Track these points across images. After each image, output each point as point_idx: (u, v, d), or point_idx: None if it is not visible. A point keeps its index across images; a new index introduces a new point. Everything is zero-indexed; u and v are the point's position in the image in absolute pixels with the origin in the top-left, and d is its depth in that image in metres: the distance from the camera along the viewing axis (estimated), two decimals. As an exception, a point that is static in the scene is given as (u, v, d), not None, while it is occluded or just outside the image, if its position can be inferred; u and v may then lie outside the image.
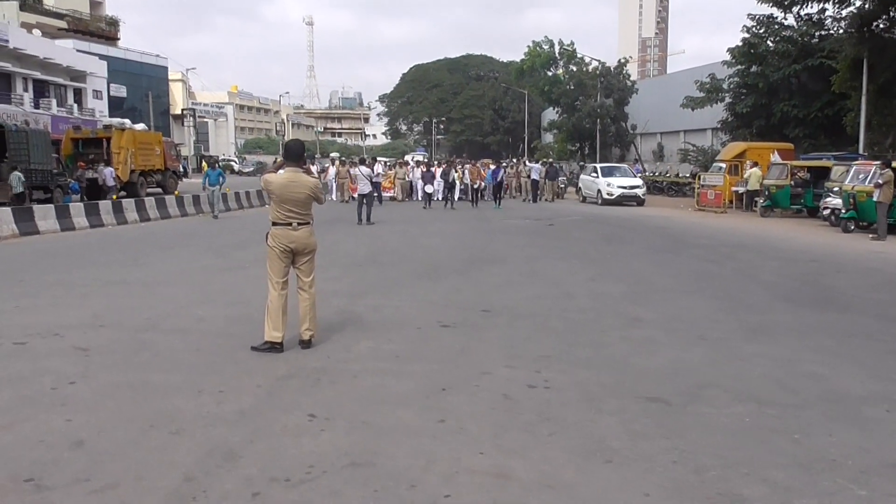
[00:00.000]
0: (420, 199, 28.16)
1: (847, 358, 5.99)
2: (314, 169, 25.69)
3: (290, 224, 6.04)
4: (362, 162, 23.50)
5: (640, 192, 27.43)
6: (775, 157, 24.57)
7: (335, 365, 5.72)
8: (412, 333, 6.78)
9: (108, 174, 24.38)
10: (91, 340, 6.41)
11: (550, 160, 39.23)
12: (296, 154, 6.20)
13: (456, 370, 5.57)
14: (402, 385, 5.20)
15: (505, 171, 29.33)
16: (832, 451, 3.99)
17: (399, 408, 4.71)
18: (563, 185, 31.87)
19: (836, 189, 18.76)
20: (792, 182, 21.40)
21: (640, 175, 33.52)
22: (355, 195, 24.20)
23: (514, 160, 39.88)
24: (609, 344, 6.43)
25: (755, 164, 24.38)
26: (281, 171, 6.16)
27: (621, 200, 26.84)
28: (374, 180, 21.15)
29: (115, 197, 20.38)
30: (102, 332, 6.72)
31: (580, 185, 30.78)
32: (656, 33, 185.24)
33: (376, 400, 4.88)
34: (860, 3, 23.36)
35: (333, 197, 28.04)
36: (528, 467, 3.76)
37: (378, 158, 37.67)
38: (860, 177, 17.32)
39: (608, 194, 27.12)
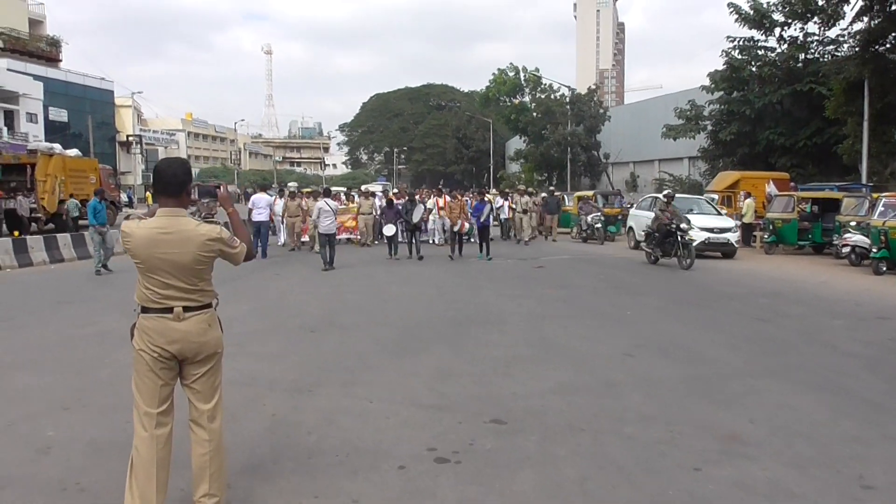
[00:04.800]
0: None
1: None
2: (277, 200, 20.34)
3: (170, 310, 3.34)
4: (327, 193, 17.70)
5: (732, 237, 18.39)
6: (771, 188, 22.61)
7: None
8: (392, 482, 4.10)
9: (72, 205, 22.95)
10: None
11: (552, 188, 33.65)
12: (173, 184, 3.43)
13: None
14: None
15: (491, 206, 20.07)
16: None
17: None
18: (589, 224, 23.31)
19: (853, 224, 16.71)
20: (798, 216, 19.31)
21: (626, 207, 26.29)
22: (305, 238, 20.32)
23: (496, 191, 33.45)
24: (718, 500, 3.84)
25: (748, 195, 22.43)
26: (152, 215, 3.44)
27: (703, 249, 17.44)
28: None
29: (16, 234, 17.08)
30: None
31: (630, 224, 21.84)
32: (613, 65, 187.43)
33: None
34: (863, 23, 21.69)
35: (282, 240, 21.25)
36: None
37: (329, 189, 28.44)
38: (883, 209, 15.32)
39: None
